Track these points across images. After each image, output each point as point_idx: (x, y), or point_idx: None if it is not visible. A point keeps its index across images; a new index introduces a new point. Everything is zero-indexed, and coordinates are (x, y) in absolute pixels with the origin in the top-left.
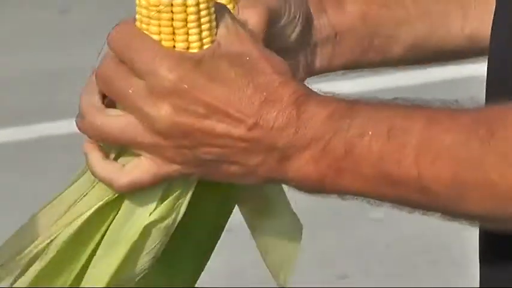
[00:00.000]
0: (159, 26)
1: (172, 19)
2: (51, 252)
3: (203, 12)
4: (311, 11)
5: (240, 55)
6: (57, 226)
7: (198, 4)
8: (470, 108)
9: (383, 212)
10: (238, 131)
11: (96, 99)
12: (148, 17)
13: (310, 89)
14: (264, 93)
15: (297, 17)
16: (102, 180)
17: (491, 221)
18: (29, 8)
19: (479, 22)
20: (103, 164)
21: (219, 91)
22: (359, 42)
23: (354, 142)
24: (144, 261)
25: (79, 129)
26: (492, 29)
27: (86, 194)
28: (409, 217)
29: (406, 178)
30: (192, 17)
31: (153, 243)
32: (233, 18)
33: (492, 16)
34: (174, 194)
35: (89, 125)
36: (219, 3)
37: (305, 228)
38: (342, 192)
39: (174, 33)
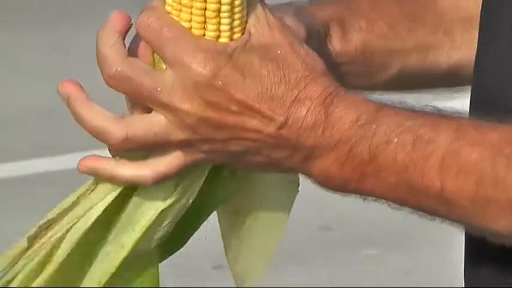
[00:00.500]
0: (191, 14)
1: (206, 8)
2: (65, 250)
3: (237, 3)
4: (320, 35)
5: (272, 47)
6: (69, 219)
7: None
8: (498, 125)
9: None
10: (269, 128)
11: (104, 114)
12: (180, 3)
13: (341, 87)
14: (295, 91)
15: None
16: (128, 181)
17: (509, 237)
18: (23, 45)
19: (465, 51)
20: (124, 167)
21: (252, 88)
22: (352, 68)
23: (379, 149)
24: (154, 239)
25: (110, 147)
26: (476, 58)
27: (93, 189)
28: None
29: (428, 189)
30: (225, 8)
31: (165, 224)
32: (264, 6)
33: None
34: (189, 179)
35: (113, 139)
36: None
37: (298, 263)
38: (364, 195)
39: (205, 22)
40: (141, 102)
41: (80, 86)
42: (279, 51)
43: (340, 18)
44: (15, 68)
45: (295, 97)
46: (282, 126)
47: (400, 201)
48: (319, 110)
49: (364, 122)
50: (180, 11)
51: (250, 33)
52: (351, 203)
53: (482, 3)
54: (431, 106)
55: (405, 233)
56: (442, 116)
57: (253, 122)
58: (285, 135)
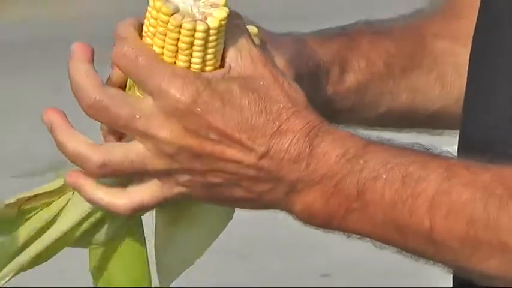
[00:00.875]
0: (164, 41)
1: (179, 39)
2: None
3: (211, 38)
4: (315, 72)
5: (253, 79)
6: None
7: (207, 31)
8: (489, 165)
9: None
10: (249, 159)
11: (84, 140)
12: (156, 29)
13: (325, 121)
14: (277, 123)
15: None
16: (103, 207)
17: (499, 279)
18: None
19: (455, 96)
20: (102, 192)
21: (232, 117)
22: (342, 105)
23: (367, 185)
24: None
25: (86, 169)
26: (465, 99)
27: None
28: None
29: (417, 228)
30: (198, 42)
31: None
32: (248, 39)
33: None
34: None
35: (90, 165)
36: (235, 22)
37: None
38: (348, 232)
39: (177, 52)
40: (119, 130)
41: (63, 114)
42: (261, 83)
43: (340, 58)
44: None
45: (277, 128)
46: (262, 157)
47: (386, 240)
48: (302, 142)
49: (351, 157)
50: (155, 35)
51: (230, 67)
52: (352, 249)
53: (472, 44)
54: (419, 144)
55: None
56: (431, 154)
57: (232, 152)
58: (267, 167)
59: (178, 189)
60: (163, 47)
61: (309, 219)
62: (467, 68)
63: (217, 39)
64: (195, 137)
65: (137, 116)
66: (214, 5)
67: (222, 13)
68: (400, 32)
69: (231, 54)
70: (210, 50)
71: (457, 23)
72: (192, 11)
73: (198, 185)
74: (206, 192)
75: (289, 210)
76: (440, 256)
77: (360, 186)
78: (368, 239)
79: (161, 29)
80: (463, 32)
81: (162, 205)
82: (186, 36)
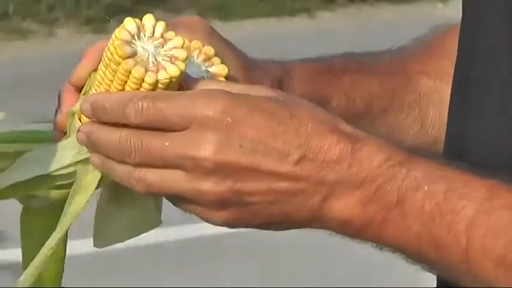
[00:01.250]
0: (113, 77)
1: (126, 82)
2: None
3: (159, 90)
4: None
5: (276, 96)
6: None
7: (155, 84)
8: None
9: None
10: (285, 166)
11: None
12: (110, 63)
13: (360, 131)
14: (310, 125)
15: None
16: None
17: None
18: None
19: (435, 133)
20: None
21: (263, 123)
22: None
23: (408, 194)
24: None
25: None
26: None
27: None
28: None
29: (453, 244)
30: (143, 91)
31: None
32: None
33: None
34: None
35: (136, 182)
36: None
37: None
38: (381, 243)
39: (123, 90)
40: (159, 164)
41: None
42: (280, 98)
43: (321, 94)
44: None
45: (312, 130)
46: (300, 160)
47: (420, 253)
48: (343, 145)
49: (394, 163)
50: (107, 68)
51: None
52: (351, 248)
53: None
54: (461, 163)
55: None
56: (474, 173)
57: (268, 162)
58: (306, 169)
59: (214, 214)
60: (112, 81)
61: (344, 226)
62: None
63: (166, 89)
64: (230, 149)
65: (167, 144)
66: (173, 58)
67: (175, 71)
68: (384, 68)
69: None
70: None
71: (441, 61)
72: (148, 58)
73: (234, 204)
74: (242, 212)
75: (325, 220)
76: (473, 275)
77: (400, 194)
78: (400, 252)
79: (113, 66)
80: (447, 71)
81: (109, 187)
82: (133, 83)
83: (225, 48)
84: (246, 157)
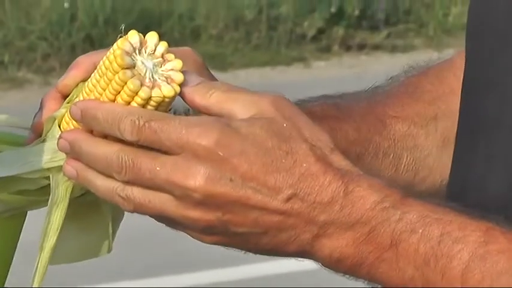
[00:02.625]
0: (107, 86)
1: (119, 92)
2: None
3: (149, 107)
4: None
5: (276, 121)
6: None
7: (148, 99)
8: None
9: None
10: (275, 202)
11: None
12: (106, 71)
13: (355, 166)
14: (304, 165)
15: None
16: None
17: None
18: None
19: (407, 177)
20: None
21: (256, 159)
22: None
23: (402, 237)
24: None
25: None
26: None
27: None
28: None
29: None
30: (135, 105)
31: None
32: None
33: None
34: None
35: (127, 204)
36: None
37: None
38: (375, 281)
39: (115, 100)
40: (149, 185)
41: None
42: (284, 124)
43: None
44: None
45: (305, 171)
46: (290, 198)
47: None
48: (336, 186)
49: (388, 206)
50: (102, 76)
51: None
52: None
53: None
54: (455, 204)
55: None
56: (470, 215)
57: (258, 197)
58: (296, 208)
59: (200, 238)
60: (104, 90)
61: (337, 264)
62: (423, 151)
63: (155, 109)
64: (220, 182)
65: (158, 168)
66: (170, 79)
67: (169, 92)
68: (360, 113)
69: (249, 98)
70: None
71: (416, 106)
72: (146, 74)
73: (220, 233)
74: (230, 240)
75: (315, 255)
76: None
77: (394, 236)
78: None
79: (110, 74)
80: (421, 115)
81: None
82: (127, 95)
83: None
84: (236, 191)
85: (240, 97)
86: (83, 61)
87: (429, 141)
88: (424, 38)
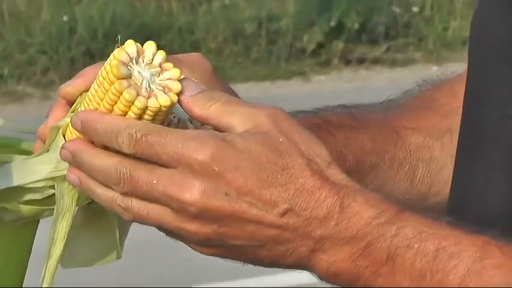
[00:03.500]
0: (104, 96)
1: (116, 102)
2: None
3: (146, 116)
4: None
5: (272, 135)
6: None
7: (144, 109)
8: None
9: None
10: (270, 217)
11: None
12: (104, 81)
13: (352, 180)
14: (300, 180)
15: None
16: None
17: None
18: None
19: (422, 189)
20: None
21: (251, 175)
22: None
23: (398, 252)
24: None
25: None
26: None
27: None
28: None
29: None
30: (132, 114)
31: None
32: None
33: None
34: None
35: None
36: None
37: None
38: None
39: (112, 111)
40: (146, 197)
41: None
42: (280, 139)
43: None
44: None
45: (301, 185)
46: (285, 213)
47: None
48: (331, 201)
49: (383, 221)
50: (100, 86)
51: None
52: None
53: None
54: (452, 218)
55: None
56: (465, 230)
57: (253, 211)
58: (291, 223)
59: (196, 249)
60: (102, 100)
61: (334, 278)
62: (438, 163)
63: (152, 119)
64: (215, 197)
65: (154, 181)
66: (167, 88)
67: (166, 101)
68: (376, 124)
69: (247, 111)
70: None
71: (431, 117)
72: (142, 83)
73: (216, 245)
74: (227, 252)
75: (313, 268)
76: None
77: (390, 252)
78: None
79: (106, 85)
80: (437, 127)
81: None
82: (123, 104)
83: (223, 91)
84: (232, 205)
85: (238, 110)
86: (89, 71)
87: (444, 154)
88: (424, 51)
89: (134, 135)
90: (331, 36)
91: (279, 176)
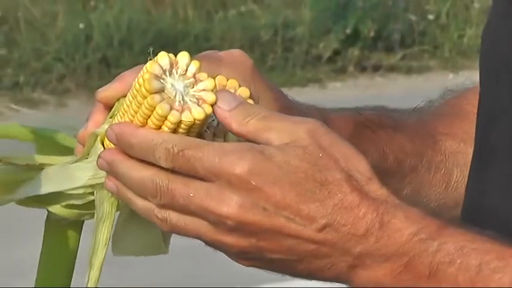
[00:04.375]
0: (138, 109)
1: (150, 116)
2: None
3: (180, 130)
4: None
5: (311, 150)
6: None
7: (178, 123)
8: None
9: None
10: (308, 232)
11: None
12: (137, 94)
13: (392, 195)
14: (339, 195)
15: None
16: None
17: None
18: None
19: (457, 194)
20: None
21: (290, 189)
22: None
23: (440, 267)
24: None
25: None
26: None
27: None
28: None
29: None
30: (165, 129)
31: None
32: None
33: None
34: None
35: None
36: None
37: None
38: None
39: (146, 125)
40: (179, 210)
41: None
42: (320, 154)
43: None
44: None
45: (339, 201)
46: (323, 228)
47: None
48: (371, 218)
49: (425, 237)
50: (134, 99)
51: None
52: None
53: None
54: (491, 232)
55: None
56: (507, 243)
57: (291, 226)
58: (330, 239)
59: (237, 261)
60: (136, 113)
61: None
62: None
63: (187, 132)
64: (253, 211)
65: (191, 195)
66: (201, 100)
67: (200, 114)
68: (413, 128)
69: (286, 126)
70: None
71: (463, 125)
72: (176, 96)
73: (255, 259)
74: (266, 265)
75: (353, 283)
76: None
77: (432, 267)
78: None
79: (139, 98)
80: (469, 133)
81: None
82: (156, 119)
83: (265, 88)
84: (269, 220)
85: (276, 125)
86: (127, 76)
87: None
88: (439, 59)
89: (171, 150)
90: (346, 43)
91: (318, 191)
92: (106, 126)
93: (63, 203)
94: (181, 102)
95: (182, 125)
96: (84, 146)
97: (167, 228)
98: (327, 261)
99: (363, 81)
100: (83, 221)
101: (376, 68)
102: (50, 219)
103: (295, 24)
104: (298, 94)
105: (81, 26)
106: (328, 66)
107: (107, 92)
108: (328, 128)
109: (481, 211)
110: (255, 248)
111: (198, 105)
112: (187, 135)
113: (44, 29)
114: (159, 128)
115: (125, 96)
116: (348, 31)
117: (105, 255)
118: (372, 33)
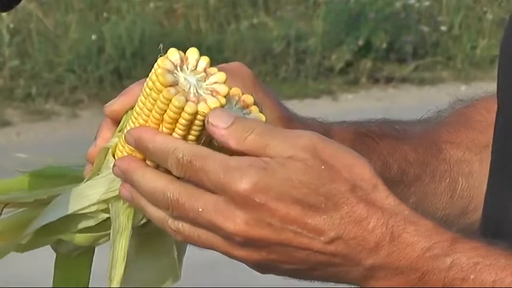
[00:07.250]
0: (153, 106)
1: (166, 111)
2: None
3: (197, 122)
4: None
5: (314, 163)
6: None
7: (195, 114)
8: None
9: None
10: (317, 244)
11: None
12: (151, 91)
13: (401, 204)
14: (345, 208)
15: None
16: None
17: None
18: None
19: (462, 203)
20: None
21: (295, 204)
22: None
23: (454, 283)
24: None
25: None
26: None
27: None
28: None
29: None
30: (183, 121)
31: None
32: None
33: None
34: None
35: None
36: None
37: None
38: None
39: (162, 121)
40: (191, 223)
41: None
42: (322, 166)
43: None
44: None
45: (346, 214)
46: (332, 241)
47: None
48: (380, 231)
49: (437, 253)
50: (147, 98)
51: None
52: None
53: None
54: (507, 243)
55: None
56: None
57: (299, 239)
58: (340, 251)
59: (254, 269)
60: (151, 111)
61: None
62: (478, 178)
63: (201, 128)
64: (259, 227)
65: (200, 210)
66: (215, 92)
67: (215, 104)
68: (417, 137)
69: (284, 141)
70: (193, 132)
71: (469, 134)
72: (190, 89)
73: (270, 269)
74: (282, 273)
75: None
76: None
77: (446, 282)
78: None
79: (154, 94)
80: (475, 142)
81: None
82: (173, 112)
83: (266, 98)
84: (276, 234)
85: (275, 141)
86: (133, 88)
87: (483, 169)
88: (452, 70)
89: (181, 159)
90: (359, 55)
91: (323, 205)
92: (116, 139)
93: (76, 228)
94: (196, 94)
95: (199, 116)
96: (93, 165)
97: (181, 238)
98: (339, 269)
99: (376, 93)
100: (94, 250)
101: (389, 80)
102: (60, 253)
103: (308, 36)
104: (311, 106)
105: (94, 37)
106: (341, 77)
107: (114, 106)
108: (328, 139)
109: (502, 223)
110: (268, 261)
111: (213, 96)
112: (202, 133)
113: (57, 40)
114: (176, 121)
115: (132, 108)
116: (361, 43)
117: (124, 270)
118: (384, 45)
